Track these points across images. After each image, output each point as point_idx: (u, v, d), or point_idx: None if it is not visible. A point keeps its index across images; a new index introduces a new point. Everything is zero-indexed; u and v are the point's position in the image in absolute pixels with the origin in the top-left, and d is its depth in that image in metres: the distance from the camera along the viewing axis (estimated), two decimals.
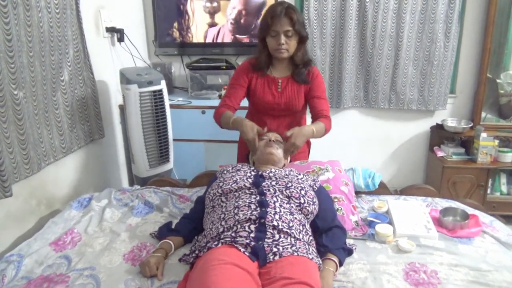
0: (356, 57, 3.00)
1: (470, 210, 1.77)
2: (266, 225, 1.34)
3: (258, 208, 1.40)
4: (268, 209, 1.39)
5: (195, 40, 3.13)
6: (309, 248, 1.35)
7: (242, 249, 1.27)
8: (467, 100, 3.07)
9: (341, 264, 1.41)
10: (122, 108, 2.61)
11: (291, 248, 1.29)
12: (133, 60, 2.84)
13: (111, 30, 2.58)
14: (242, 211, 1.39)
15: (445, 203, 1.87)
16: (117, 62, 2.70)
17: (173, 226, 1.64)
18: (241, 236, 1.31)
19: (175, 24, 3.11)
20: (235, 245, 1.28)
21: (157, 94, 2.38)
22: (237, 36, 3.08)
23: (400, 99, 3.02)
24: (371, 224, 1.67)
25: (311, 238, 1.45)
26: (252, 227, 1.34)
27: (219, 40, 3.12)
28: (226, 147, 2.70)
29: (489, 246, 1.54)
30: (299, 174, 1.66)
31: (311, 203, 1.50)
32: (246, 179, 1.57)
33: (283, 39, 1.78)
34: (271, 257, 1.26)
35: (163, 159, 2.51)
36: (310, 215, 1.49)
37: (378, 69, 2.97)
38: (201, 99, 2.91)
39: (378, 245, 1.56)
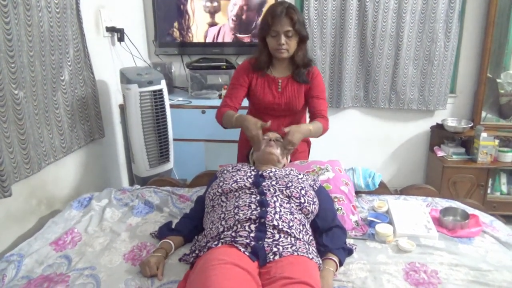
0: (356, 56, 3.00)
1: (470, 210, 1.77)
2: (266, 225, 1.34)
3: (258, 208, 1.40)
4: (268, 209, 1.39)
5: (195, 40, 3.13)
6: (309, 248, 1.36)
7: (242, 249, 1.27)
8: (467, 100, 3.07)
9: (341, 263, 1.41)
10: (122, 108, 2.61)
11: (291, 247, 1.29)
12: (133, 60, 2.84)
13: (111, 29, 2.58)
14: (242, 210, 1.39)
15: (445, 203, 1.87)
16: (117, 62, 2.70)
17: (173, 226, 1.64)
18: (241, 236, 1.31)
19: (175, 24, 3.11)
20: (235, 245, 1.28)
21: (157, 94, 2.38)
22: (238, 35, 3.08)
23: (400, 98, 3.02)
24: (371, 224, 1.67)
25: (311, 238, 1.45)
26: (252, 226, 1.34)
27: (220, 40, 3.12)
28: (226, 146, 2.71)
29: (489, 246, 1.54)
30: (299, 174, 1.66)
31: (311, 202, 1.50)
32: (246, 178, 1.57)
33: (283, 39, 1.78)
34: (271, 257, 1.26)
35: (163, 158, 2.51)
36: (310, 214, 1.49)
37: (378, 69, 2.97)
38: (201, 98, 2.91)
39: (378, 245, 1.56)
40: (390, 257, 1.47)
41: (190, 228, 1.59)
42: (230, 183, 1.54)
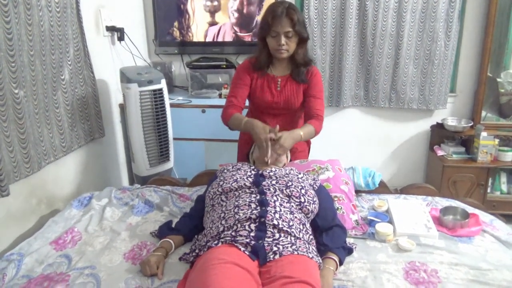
0: (356, 56, 3.00)
1: (470, 209, 1.77)
2: (266, 224, 1.34)
3: (258, 207, 1.40)
4: (268, 208, 1.39)
5: (195, 39, 3.13)
6: (309, 247, 1.36)
7: (242, 248, 1.27)
8: (467, 99, 3.06)
9: (341, 263, 1.41)
10: (122, 107, 2.61)
11: (291, 247, 1.29)
12: (133, 59, 2.84)
13: (111, 29, 2.58)
14: (242, 210, 1.39)
15: (445, 202, 1.87)
16: (117, 61, 2.70)
17: (173, 225, 1.64)
18: (241, 235, 1.31)
19: (175, 23, 3.11)
20: (235, 244, 1.28)
21: (157, 93, 2.38)
22: (239, 34, 3.08)
23: (400, 98, 3.02)
24: (371, 223, 1.67)
25: (311, 237, 1.45)
26: (252, 226, 1.34)
27: (220, 39, 3.12)
28: (226, 146, 2.71)
29: (489, 245, 1.54)
30: (299, 173, 1.66)
31: (311, 202, 1.50)
32: (247, 178, 1.57)
33: (283, 39, 1.78)
34: (271, 256, 1.26)
35: (163, 158, 2.52)
36: (310, 214, 1.49)
37: (379, 68, 2.97)
38: (201, 98, 2.91)
39: (378, 244, 1.56)
40: (390, 256, 1.48)
41: (190, 227, 1.60)
42: (230, 182, 1.55)
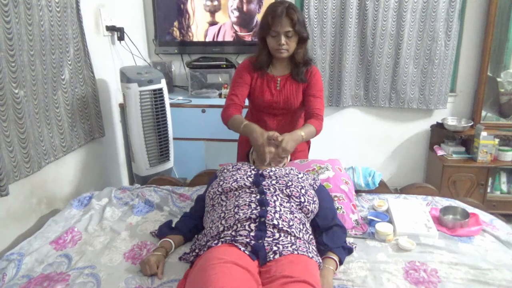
0: (356, 55, 3.00)
1: (470, 209, 1.78)
2: (266, 224, 1.34)
3: (258, 207, 1.40)
4: (268, 208, 1.39)
5: (195, 39, 3.13)
6: (309, 246, 1.36)
7: (242, 248, 1.27)
8: (467, 99, 3.06)
9: (341, 262, 1.41)
10: (122, 107, 2.61)
11: (291, 246, 1.30)
12: (133, 59, 2.84)
13: (111, 28, 2.58)
14: (242, 210, 1.40)
15: (445, 202, 1.87)
16: (117, 61, 2.70)
17: (173, 225, 1.64)
18: (241, 235, 1.31)
19: (175, 23, 3.11)
20: (235, 244, 1.28)
21: (157, 93, 2.38)
22: (239, 34, 3.08)
23: (400, 97, 3.02)
24: (371, 223, 1.67)
25: (311, 236, 1.45)
26: (252, 226, 1.34)
27: (220, 39, 3.12)
28: (226, 145, 2.71)
29: (489, 244, 1.54)
30: (299, 173, 1.66)
31: (311, 202, 1.50)
32: (246, 178, 1.57)
33: (283, 39, 1.78)
34: (271, 256, 1.26)
35: (163, 157, 2.52)
36: (310, 214, 1.49)
37: (379, 68, 2.97)
38: (201, 97, 2.91)
39: (378, 244, 1.56)
40: (390, 256, 1.48)
41: (190, 227, 1.60)
42: (230, 182, 1.55)
